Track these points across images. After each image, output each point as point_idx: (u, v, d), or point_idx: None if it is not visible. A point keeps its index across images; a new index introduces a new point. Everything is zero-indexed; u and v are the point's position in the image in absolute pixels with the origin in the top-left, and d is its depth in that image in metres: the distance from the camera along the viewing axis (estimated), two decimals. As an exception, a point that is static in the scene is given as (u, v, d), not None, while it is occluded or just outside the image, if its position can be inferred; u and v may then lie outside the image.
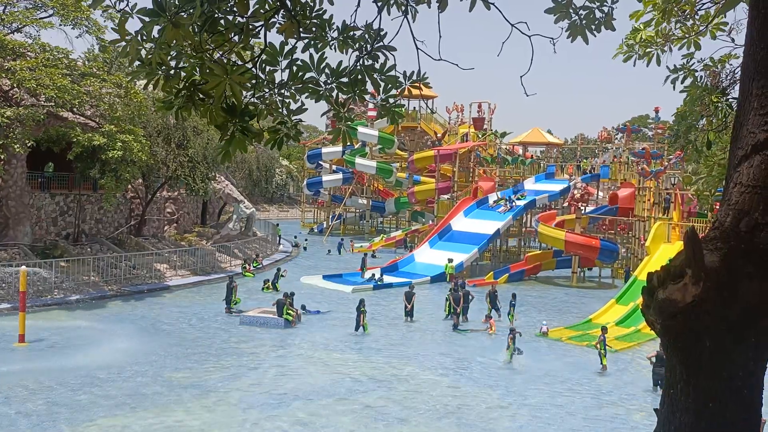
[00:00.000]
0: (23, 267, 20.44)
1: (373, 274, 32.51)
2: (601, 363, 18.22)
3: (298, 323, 22.69)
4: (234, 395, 15.14)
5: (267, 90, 4.33)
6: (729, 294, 2.95)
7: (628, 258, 37.99)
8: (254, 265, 34.98)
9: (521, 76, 5.39)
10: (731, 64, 7.36)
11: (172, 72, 3.71)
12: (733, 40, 7.02)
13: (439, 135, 54.74)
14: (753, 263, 2.96)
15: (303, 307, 23.97)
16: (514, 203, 39.07)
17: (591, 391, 16.62)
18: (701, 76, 7.46)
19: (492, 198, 40.57)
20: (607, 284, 35.68)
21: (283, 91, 4.37)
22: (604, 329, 19.14)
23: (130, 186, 33.13)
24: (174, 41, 3.49)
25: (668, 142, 39.45)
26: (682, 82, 7.39)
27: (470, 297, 24.85)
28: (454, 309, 23.89)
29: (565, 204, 38.82)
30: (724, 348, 2.99)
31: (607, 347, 18.53)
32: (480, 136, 51.09)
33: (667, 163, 36.50)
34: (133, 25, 3.77)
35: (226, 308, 24.02)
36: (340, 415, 14.07)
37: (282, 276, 29.96)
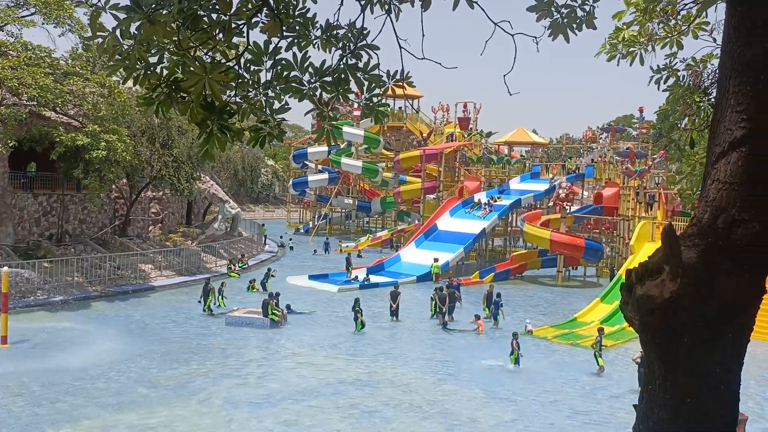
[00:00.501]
0: (5, 268, 20.18)
1: (356, 276, 32.49)
2: (598, 364, 18.24)
3: (284, 323, 22.62)
4: (220, 395, 15.06)
5: (251, 90, 4.31)
6: (706, 290, 2.96)
7: (613, 257, 38.26)
8: (240, 265, 34.84)
9: (504, 75, 5.40)
10: (713, 64, 7.42)
11: (151, 69, 3.68)
12: (714, 39, 7.07)
13: (424, 135, 54.82)
14: (730, 260, 2.98)
15: (288, 307, 23.90)
16: (493, 207, 39.01)
17: (577, 389, 16.72)
18: (683, 76, 7.53)
19: (470, 203, 40.48)
20: (591, 283, 35.93)
21: (267, 90, 4.35)
22: (600, 330, 19.02)
23: (114, 186, 32.85)
24: (154, 38, 3.47)
25: (652, 141, 39.83)
26: (665, 82, 7.46)
27: (456, 297, 24.89)
28: (439, 308, 23.92)
29: (551, 203, 39.01)
30: (701, 344, 3.01)
31: (602, 348, 18.44)
32: (465, 135, 51.26)
33: (651, 163, 36.80)
34: (113, 20, 3.73)
35: (208, 311, 23.76)
36: (326, 415, 14.05)
37: (272, 276, 29.89)
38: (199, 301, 24.32)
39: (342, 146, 55.18)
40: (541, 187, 41.53)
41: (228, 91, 4.03)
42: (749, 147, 3.02)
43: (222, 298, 25.19)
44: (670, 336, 3.01)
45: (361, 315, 22.02)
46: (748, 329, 3.13)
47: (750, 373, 18.03)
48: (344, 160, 52.60)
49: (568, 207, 37.02)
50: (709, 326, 2.98)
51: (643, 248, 27.86)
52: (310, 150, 57.62)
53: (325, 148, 53.78)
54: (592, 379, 17.66)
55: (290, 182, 60.84)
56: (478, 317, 22.93)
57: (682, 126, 8.71)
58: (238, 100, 4.14)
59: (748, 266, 2.98)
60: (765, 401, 16.23)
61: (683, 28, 7.10)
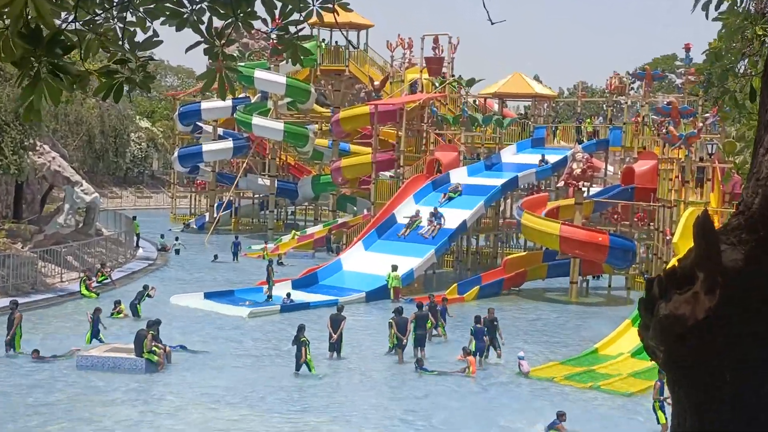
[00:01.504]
0: None
1: (269, 296, 32.33)
2: (659, 422, 18.43)
3: (167, 365, 22.42)
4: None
5: (99, 12, 4.23)
6: (757, 305, 3.05)
7: (650, 260, 39.14)
8: (99, 279, 34.40)
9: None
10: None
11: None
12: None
13: (376, 83, 54.90)
14: (790, 261, 3.06)
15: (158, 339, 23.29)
16: (442, 220, 37.87)
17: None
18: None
19: (404, 216, 39.40)
20: (619, 299, 36.69)
21: (125, 14, 4.28)
22: (661, 373, 19.06)
23: None
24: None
25: (703, 93, 40.80)
26: (716, 9, 7.66)
27: (429, 322, 25.00)
28: (399, 339, 24.00)
29: (561, 183, 39.64)
30: (749, 382, 3.10)
31: (665, 399, 18.47)
32: (437, 84, 51.52)
33: (701, 124, 37.63)
34: None
35: (33, 352, 23.12)
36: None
37: (149, 296, 29.60)
38: (6, 341, 23.45)
39: (254, 100, 54.71)
40: (548, 159, 42.11)
41: (63, 14, 3.95)
42: None
43: (93, 332, 24.56)
44: (705, 372, 3.08)
45: (308, 349, 21.94)
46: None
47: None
48: (256, 120, 52.16)
49: (585, 188, 37.64)
50: (761, 356, 3.07)
51: (692, 247, 28.62)
52: (204, 105, 57.00)
53: (228, 102, 53.26)
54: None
55: (175, 153, 60.09)
56: (467, 352, 23.03)
57: (740, 71, 8.98)
58: (79, 27, 4.06)
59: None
60: None
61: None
